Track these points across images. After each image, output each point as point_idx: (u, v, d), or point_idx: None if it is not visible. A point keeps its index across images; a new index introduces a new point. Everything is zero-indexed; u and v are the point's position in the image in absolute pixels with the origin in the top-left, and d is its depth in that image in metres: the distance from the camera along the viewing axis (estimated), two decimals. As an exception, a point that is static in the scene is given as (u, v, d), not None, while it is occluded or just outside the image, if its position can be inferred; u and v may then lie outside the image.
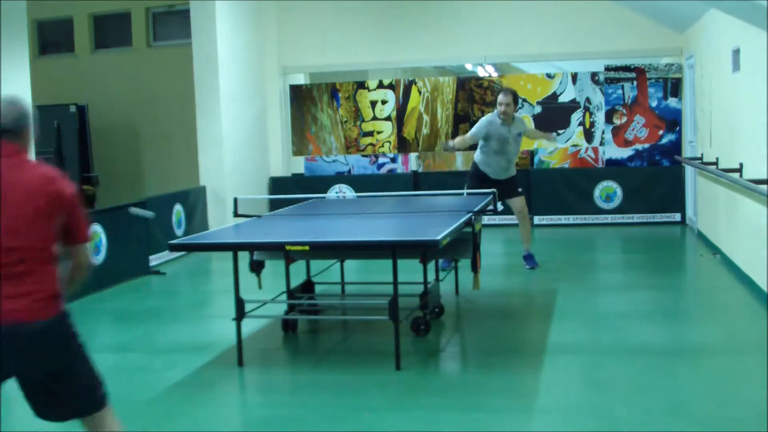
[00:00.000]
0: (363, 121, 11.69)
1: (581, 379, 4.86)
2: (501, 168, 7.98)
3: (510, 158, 8.02)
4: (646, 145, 11.05)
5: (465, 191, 7.38)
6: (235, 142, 10.88)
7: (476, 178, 8.01)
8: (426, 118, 11.54)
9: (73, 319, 3.06)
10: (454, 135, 11.44)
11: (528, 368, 4.96)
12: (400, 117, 11.59)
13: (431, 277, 6.32)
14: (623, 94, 11.04)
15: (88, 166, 12.26)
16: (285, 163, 12.19)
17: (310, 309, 6.33)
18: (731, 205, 7.59)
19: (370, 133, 11.69)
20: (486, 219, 9.95)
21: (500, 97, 7.88)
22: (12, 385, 5.19)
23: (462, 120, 11.28)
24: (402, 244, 5.06)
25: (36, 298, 2.94)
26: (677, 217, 10.81)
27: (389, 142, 11.64)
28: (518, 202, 8.02)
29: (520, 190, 8.09)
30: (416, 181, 11.37)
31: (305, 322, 6.26)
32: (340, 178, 11.74)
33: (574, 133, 11.16)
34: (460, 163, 12.45)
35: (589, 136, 11.16)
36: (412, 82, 11.61)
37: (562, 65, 13.69)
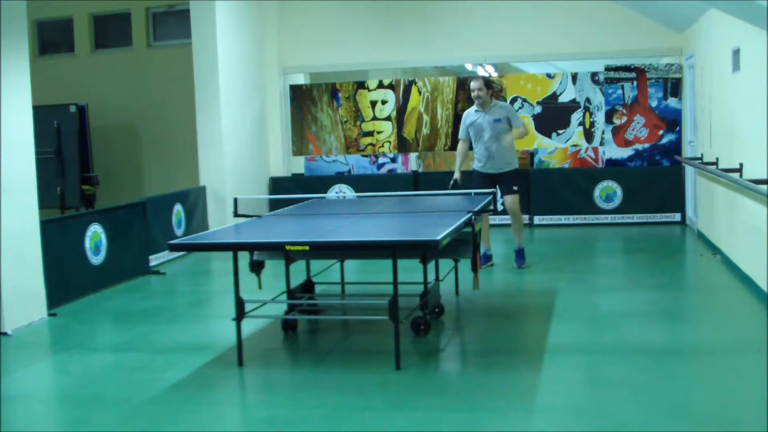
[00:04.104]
0: (363, 121, 11.69)
1: (581, 379, 4.86)
2: (485, 158, 8.00)
3: (489, 146, 7.93)
4: (646, 145, 11.05)
5: (471, 191, 7.41)
6: (235, 142, 10.88)
7: (474, 176, 8.12)
8: (426, 118, 11.54)
9: None
10: (454, 135, 11.45)
11: (528, 368, 4.96)
12: (400, 117, 11.59)
13: (431, 277, 6.32)
14: (623, 94, 11.05)
15: (88, 166, 12.25)
16: (285, 163, 12.19)
17: (310, 309, 6.34)
18: (731, 205, 7.59)
19: (370, 133, 11.70)
20: (486, 219, 9.95)
21: (471, 84, 8.02)
22: (12, 386, 5.19)
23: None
24: (402, 244, 5.06)
25: None
26: (677, 217, 10.81)
27: (389, 142, 11.64)
28: (508, 200, 8.02)
29: (515, 188, 8.02)
30: (416, 181, 11.37)
31: (305, 322, 6.26)
32: (340, 178, 11.74)
33: (574, 133, 11.16)
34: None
35: (589, 136, 11.16)
36: (412, 82, 11.61)
37: (562, 65, 13.70)
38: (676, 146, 10.93)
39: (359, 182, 11.42)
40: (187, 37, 11.00)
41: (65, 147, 11.80)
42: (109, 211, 8.39)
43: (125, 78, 13.01)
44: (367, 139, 11.70)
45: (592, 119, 11.13)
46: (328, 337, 6.04)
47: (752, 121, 6.66)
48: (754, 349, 5.20)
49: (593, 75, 11.11)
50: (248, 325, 5.89)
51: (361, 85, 11.73)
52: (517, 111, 8.11)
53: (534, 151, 11.46)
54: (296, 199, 7.84)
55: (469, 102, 11.30)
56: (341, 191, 11.54)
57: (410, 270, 5.89)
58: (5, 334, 6.33)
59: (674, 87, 10.94)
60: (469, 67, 15.02)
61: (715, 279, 7.46)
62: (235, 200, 6.37)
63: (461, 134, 8.22)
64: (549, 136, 11.18)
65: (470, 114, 8.12)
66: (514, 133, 7.89)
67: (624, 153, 11.13)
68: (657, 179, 10.91)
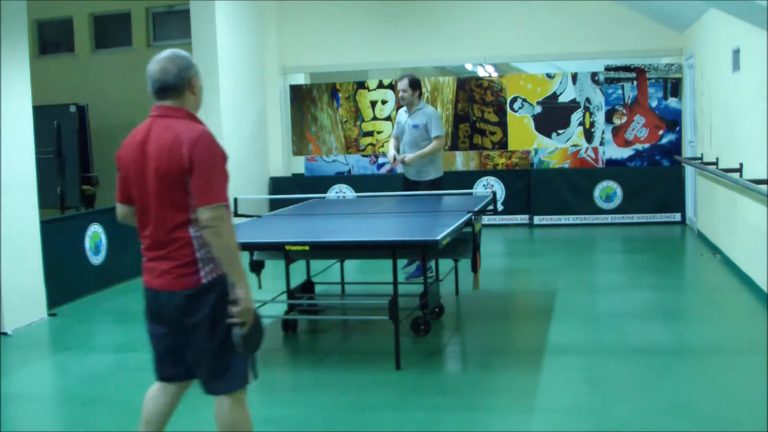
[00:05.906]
0: (363, 121, 11.69)
1: (581, 379, 4.86)
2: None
3: (405, 151, 7.55)
4: (646, 145, 11.05)
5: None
6: (235, 142, 10.87)
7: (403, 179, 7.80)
8: (426, 118, 11.52)
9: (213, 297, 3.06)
10: (454, 135, 11.45)
11: (528, 368, 4.96)
12: (400, 117, 11.58)
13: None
14: (623, 94, 11.04)
15: (88, 166, 12.24)
16: (285, 163, 12.19)
17: (310, 309, 6.34)
18: (731, 205, 7.59)
19: (370, 133, 11.69)
20: (486, 219, 9.96)
21: (399, 83, 7.63)
22: (12, 386, 5.18)
23: (462, 120, 11.27)
24: (402, 244, 5.06)
25: (168, 269, 3.09)
26: (677, 217, 10.81)
27: (389, 142, 11.62)
28: None
29: None
30: (416, 181, 11.36)
31: (305, 322, 6.26)
32: (340, 178, 11.74)
33: (574, 133, 11.16)
34: (460, 163, 12.44)
35: (589, 136, 11.16)
36: (412, 82, 11.59)
37: (562, 65, 13.69)
38: (676, 146, 10.93)
39: (359, 182, 11.41)
40: (187, 37, 10.99)
41: (65, 147, 11.79)
42: (109, 211, 8.37)
43: (125, 78, 12.97)
44: (367, 139, 11.70)
45: (592, 119, 11.13)
46: (328, 337, 6.04)
47: (752, 121, 6.66)
48: (754, 349, 5.20)
49: (593, 75, 11.11)
50: (248, 325, 5.88)
51: (361, 85, 11.73)
52: (440, 118, 7.43)
53: (534, 151, 11.47)
54: (296, 199, 7.84)
55: (469, 102, 11.33)
56: (341, 191, 11.54)
57: (410, 270, 5.89)
58: (5, 334, 6.33)
59: (674, 87, 10.94)
60: (469, 67, 15.02)
61: (715, 279, 7.46)
62: (235, 200, 6.37)
63: (393, 131, 7.92)
64: (549, 136, 11.18)
65: (400, 113, 7.79)
66: (428, 148, 7.41)
67: (624, 153, 11.12)
68: (657, 179, 10.91)
